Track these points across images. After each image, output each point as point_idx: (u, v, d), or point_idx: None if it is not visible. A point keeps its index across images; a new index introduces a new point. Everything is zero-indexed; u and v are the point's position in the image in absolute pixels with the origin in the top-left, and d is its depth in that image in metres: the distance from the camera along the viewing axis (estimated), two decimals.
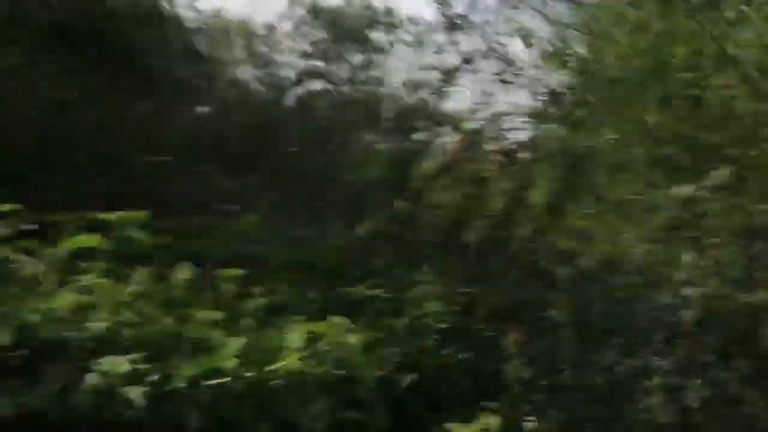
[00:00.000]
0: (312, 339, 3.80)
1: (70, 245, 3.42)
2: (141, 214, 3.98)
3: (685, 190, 5.98)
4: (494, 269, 5.25)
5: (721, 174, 5.40)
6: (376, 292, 5.30)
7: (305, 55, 8.92)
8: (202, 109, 8.40)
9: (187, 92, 7.81)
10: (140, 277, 3.57)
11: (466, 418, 4.01)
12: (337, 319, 3.93)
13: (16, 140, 6.25)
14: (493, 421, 3.88)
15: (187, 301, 3.72)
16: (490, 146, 7.33)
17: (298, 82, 8.93)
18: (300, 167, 7.77)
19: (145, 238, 3.82)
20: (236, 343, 3.45)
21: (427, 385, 4.57)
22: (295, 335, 3.74)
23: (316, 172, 7.34)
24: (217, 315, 3.57)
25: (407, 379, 4.47)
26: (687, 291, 5.00)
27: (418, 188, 6.60)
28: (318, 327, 3.86)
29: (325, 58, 8.96)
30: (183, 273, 3.84)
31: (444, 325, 4.83)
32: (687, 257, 5.71)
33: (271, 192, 6.87)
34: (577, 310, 4.63)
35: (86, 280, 3.33)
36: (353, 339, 3.79)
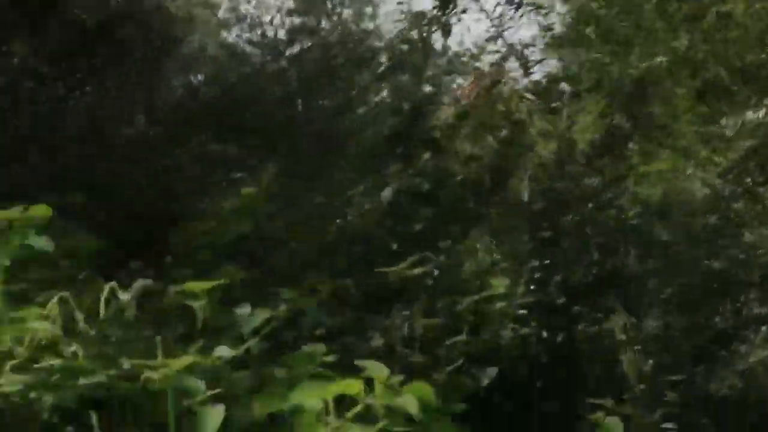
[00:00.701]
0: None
1: None
2: (43, 210, 2.48)
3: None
4: (566, 231, 4.30)
5: None
6: (423, 269, 4.35)
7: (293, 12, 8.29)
8: (193, 77, 7.77)
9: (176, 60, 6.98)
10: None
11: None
12: (373, 368, 2.00)
13: None
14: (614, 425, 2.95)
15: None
16: (512, 84, 6.34)
17: (290, 41, 8.17)
18: (302, 129, 6.86)
19: (45, 246, 2.44)
20: (216, 414, 2.03)
21: (515, 379, 3.68)
22: (312, 394, 2.07)
23: (322, 133, 6.38)
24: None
25: (488, 374, 3.57)
26: None
27: (440, 139, 5.59)
28: (348, 386, 2.03)
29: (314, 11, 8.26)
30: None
31: (520, 305, 3.89)
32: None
33: (273, 159, 5.89)
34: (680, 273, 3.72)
35: None
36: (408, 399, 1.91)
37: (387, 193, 5.04)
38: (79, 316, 2.20)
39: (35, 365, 2.15)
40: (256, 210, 4.61)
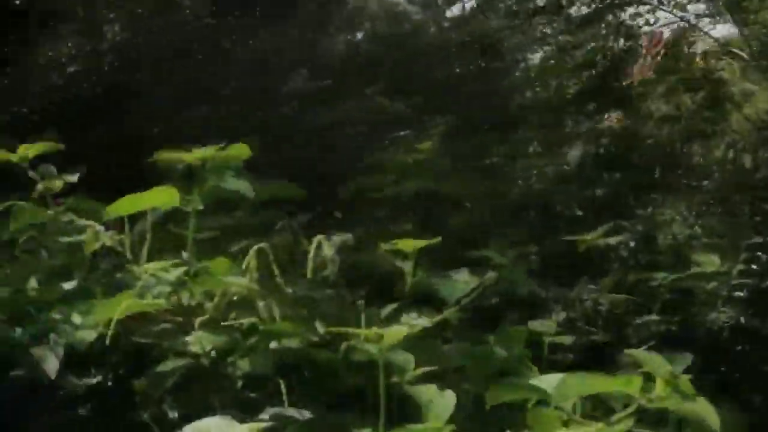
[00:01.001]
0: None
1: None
2: (241, 150, 2.16)
3: None
4: None
5: None
6: (619, 239, 3.91)
7: None
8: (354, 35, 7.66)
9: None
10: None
11: None
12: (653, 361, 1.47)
13: None
14: None
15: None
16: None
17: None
18: (468, 88, 6.48)
19: (246, 190, 2.09)
20: (446, 399, 1.67)
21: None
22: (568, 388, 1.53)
23: (494, 92, 5.98)
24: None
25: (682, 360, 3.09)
26: None
27: (630, 97, 5.07)
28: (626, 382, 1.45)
29: None
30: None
31: (734, 287, 3.39)
32: None
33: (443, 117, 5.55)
34: None
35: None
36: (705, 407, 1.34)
37: (574, 155, 4.61)
38: (277, 271, 1.92)
39: (225, 323, 1.90)
40: (434, 165, 4.28)
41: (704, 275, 3.49)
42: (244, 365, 1.77)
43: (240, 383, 1.79)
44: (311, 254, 2.02)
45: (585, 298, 4.05)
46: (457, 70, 6.81)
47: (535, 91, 6.33)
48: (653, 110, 5.15)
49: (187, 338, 1.87)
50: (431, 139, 4.91)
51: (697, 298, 3.55)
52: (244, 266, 1.88)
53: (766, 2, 4.62)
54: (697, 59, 5.06)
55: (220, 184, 2.00)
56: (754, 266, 3.32)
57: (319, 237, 2.00)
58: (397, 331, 1.71)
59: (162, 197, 2.01)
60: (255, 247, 1.90)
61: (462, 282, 2.21)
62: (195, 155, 2.05)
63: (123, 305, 1.75)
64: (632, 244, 3.94)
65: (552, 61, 6.20)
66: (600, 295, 3.99)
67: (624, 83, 4.98)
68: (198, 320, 1.88)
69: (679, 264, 3.89)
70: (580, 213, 4.57)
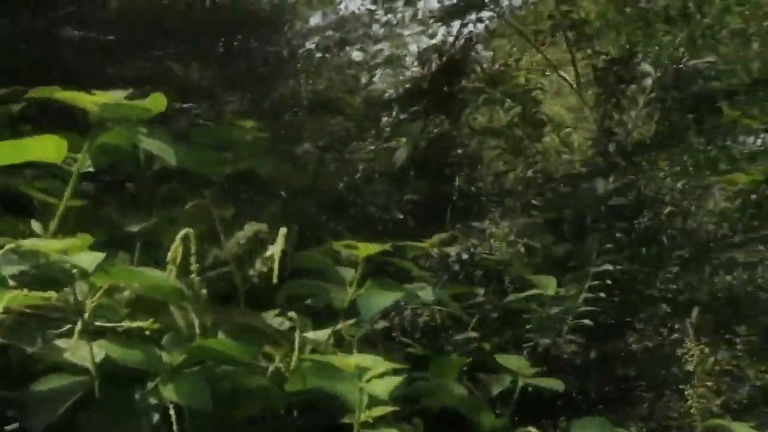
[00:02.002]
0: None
1: None
2: (157, 102, 1.74)
3: None
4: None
5: None
6: (455, 249, 3.75)
7: None
8: None
9: None
10: None
11: None
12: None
13: None
14: None
15: None
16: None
17: None
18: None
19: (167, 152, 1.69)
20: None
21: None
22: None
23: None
24: None
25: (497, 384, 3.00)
26: None
27: (455, 103, 4.97)
28: None
29: None
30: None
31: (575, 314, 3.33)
32: None
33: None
34: None
35: None
36: None
37: (400, 155, 4.40)
38: (194, 266, 1.47)
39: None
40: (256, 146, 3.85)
41: (537, 297, 3.40)
42: (168, 394, 1.31)
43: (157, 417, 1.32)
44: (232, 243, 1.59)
45: (405, 307, 3.86)
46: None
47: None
48: (471, 121, 5.09)
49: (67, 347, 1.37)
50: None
51: (533, 320, 3.47)
52: (170, 257, 1.40)
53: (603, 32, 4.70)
54: (521, 74, 5.06)
55: (132, 143, 1.51)
56: (601, 294, 3.29)
57: (255, 226, 1.57)
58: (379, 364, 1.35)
59: (44, 148, 1.47)
60: (182, 233, 1.43)
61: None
62: (93, 99, 1.53)
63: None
64: (465, 256, 3.79)
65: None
66: (420, 306, 3.81)
67: (453, 88, 4.87)
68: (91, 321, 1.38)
69: (518, 283, 3.81)
70: (401, 216, 4.38)
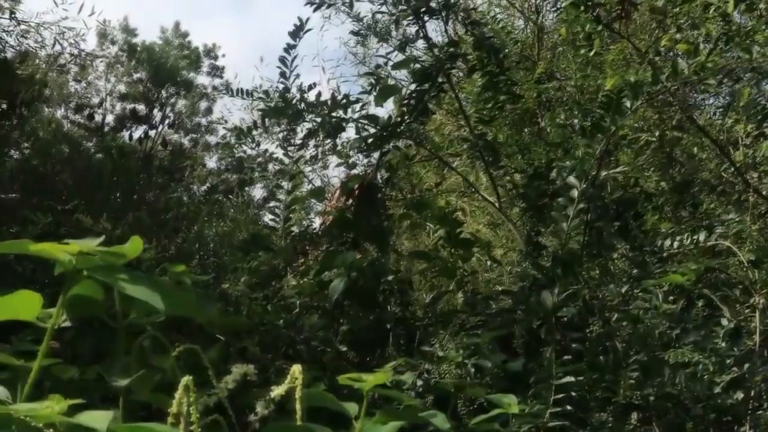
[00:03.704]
0: None
1: None
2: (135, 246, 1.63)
3: None
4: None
5: None
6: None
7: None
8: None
9: None
10: None
11: None
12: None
13: None
14: None
15: None
16: None
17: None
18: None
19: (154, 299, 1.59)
20: None
21: None
22: None
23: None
24: None
25: None
26: None
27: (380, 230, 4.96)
28: None
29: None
30: None
31: None
32: None
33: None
34: None
35: None
36: None
37: (335, 287, 4.31)
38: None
39: None
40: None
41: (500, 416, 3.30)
42: None
43: None
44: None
45: None
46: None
47: None
48: (399, 246, 5.07)
49: None
50: None
51: None
52: (174, 409, 1.25)
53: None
54: (442, 197, 5.10)
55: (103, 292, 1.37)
56: (568, 407, 3.20)
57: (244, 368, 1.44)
58: None
59: (20, 306, 1.32)
60: (183, 381, 1.29)
61: None
62: (68, 249, 1.39)
63: None
64: (419, 382, 3.67)
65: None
66: None
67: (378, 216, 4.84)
68: None
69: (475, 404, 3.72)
70: (343, 348, 4.25)
